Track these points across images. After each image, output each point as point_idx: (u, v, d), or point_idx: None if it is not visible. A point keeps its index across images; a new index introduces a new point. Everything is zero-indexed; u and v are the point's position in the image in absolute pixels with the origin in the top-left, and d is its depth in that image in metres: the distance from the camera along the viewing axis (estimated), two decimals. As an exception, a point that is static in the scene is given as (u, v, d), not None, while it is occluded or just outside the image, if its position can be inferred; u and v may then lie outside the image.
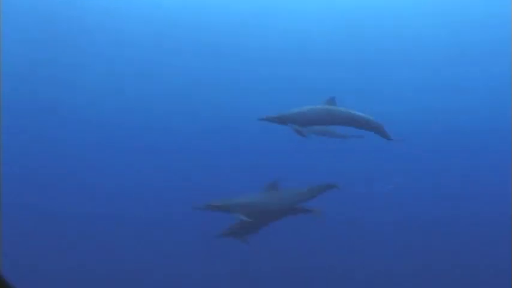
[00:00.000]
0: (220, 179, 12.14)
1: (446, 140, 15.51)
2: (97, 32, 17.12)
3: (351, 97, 7.34)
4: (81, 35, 17.04)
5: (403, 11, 17.82)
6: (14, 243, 8.99)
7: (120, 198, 12.62)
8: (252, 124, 7.45)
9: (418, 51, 18.15)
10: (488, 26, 17.32)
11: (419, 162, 14.67)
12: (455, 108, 16.83)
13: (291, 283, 10.16)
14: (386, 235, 11.53)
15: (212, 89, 17.32)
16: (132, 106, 16.92)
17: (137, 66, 17.53)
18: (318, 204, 7.40)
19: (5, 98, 12.70)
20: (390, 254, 10.81)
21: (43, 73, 16.47)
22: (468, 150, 14.99)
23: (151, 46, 17.73)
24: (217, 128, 15.63)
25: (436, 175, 14.22)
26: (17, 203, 10.85)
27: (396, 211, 12.44)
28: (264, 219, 7.16)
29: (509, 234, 9.95)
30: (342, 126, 7.67)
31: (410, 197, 13.15)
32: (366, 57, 17.73)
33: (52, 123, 15.51)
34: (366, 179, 13.77)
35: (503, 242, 9.97)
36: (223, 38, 17.87)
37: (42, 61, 16.39)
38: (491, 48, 17.44)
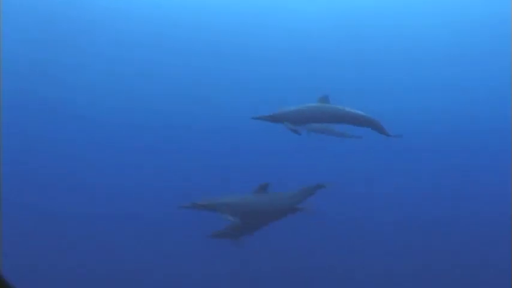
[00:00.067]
0: (220, 179, 12.14)
1: (446, 140, 15.52)
2: (97, 32, 17.12)
3: (351, 97, 7.34)
4: (81, 35, 17.05)
5: (403, 11, 17.82)
6: (14, 243, 8.99)
7: (120, 198, 12.61)
8: (252, 124, 7.44)
9: (418, 51, 18.16)
10: (488, 26, 17.33)
11: (419, 162, 14.67)
12: (455, 108, 16.84)
13: (291, 283, 10.15)
14: (387, 235, 11.53)
15: (212, 88, 17.32)
16: (132, 106, 16.92)
17: (137, 66, 17.53)
18: (318, 204, 7.38)
19: (5, 98, 12.70)
20: (390, 254, 10.80)
21: (43, 73, 16.47)
22: (468, 150, 14.99)
23: (151, 46, 17.74)
24: (217, 127, 15.63)
25: (436, 175, 14.22)
26: (17, 203, 10.84)
27: (396, 211, 12.43)
28: (257, 221, 7.14)
29: (509, 234, 9.95)
30: (342, 125, 7.65)
31: (411, 197, 13.15)
32: (366, 57, 17.74)
33: (52, 122, 15.51)
34: (366, 179, 13.78)
35: (503, 242, 9.96)
36: (222, 38, 17.88)
37: (42, 61, 16.40)
38: (491, 48, 17.44)
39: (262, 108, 7.02)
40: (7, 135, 12.22)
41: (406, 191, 13.30)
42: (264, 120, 6.86)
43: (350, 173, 13.60)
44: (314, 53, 17.53)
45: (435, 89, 17.72)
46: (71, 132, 15.41)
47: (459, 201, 12.99)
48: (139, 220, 11.48)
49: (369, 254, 10.84)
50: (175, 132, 15.93)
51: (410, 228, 11.80)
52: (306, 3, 17.81)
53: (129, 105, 16.92)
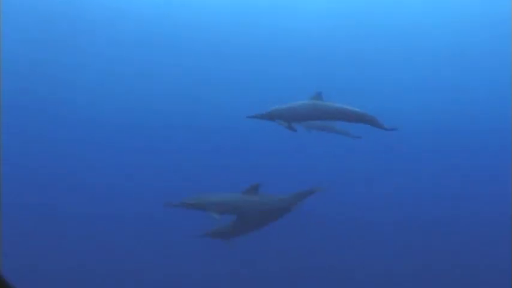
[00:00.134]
0: (220, 179, 12.13)
1: (446, 140, 15.51)
2: (97, 32, 17.12)
3: (351, 96, 7.33)
4: (81, 35, 17.06)
5: (403, 10, 17.82)
6: (14, 243, 8.99)
7: (119, 198, 12.61)
8: (251, 124, 7.45)
9: (418, 50, 18.16)
10: (488, 26, 17.32)
11: (419, 162, 14.68)
12: (455, 108, 16.83)
13: (291, 283, 10.15)
14: (386, 235, 11.53)
15: (212, 88, 17.32)
16: (132, 106, 16.92)
17: (137, 66, 17.53)
18: (318, 204, 7.38)
19: (5, 98, 12.70)
20: (390, 254, 10.80)
21: (43, 73, 16.47)
22: (468, 150, 14.99)
23: (151, 46, 17.74)
24: (218, 127, 15.62)
25: (436, 175, 14.22)
26: (17, 203, 10.84)
27: (396, 211, 12.43)
28: (246, 222, 7.14)
29: (509, 234, 9.95)
30: (342, 123, 7.63)
31: (410, 197, 13.16)
32: (365, 57, 17.74)
33: (52, 122, 15.51)
34: (366, 179, 13.78)
35: (503, 242, 9.96)
36: (222, 38, 17.87)
37: (42, 61, 16.40)
38: (491, 48, 17.44)
39: (261, 108, 7.02)
40: (7, 135, 12.22)
41: (406, 191, 13.30)
42: (258, 118, 6.86)
43: (350, 173, 13.61)
44: (314, 53, 17.52)
45: (435, 89, 17.71)
46: (71, 132, 15.41)
47: (459, 201, 12.99)
48: (139, 220, 11.48)
49: (368, 254, 10.84)
50: (175, 132, 15.93)
51: (410, 228, 11.80)
52: (306, 3, 17.81)
53: (129, 105, 16.91)
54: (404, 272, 10.12)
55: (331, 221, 11.20)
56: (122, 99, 17.04)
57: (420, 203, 13.02)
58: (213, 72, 17.67)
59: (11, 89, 13.54)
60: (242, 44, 17.88)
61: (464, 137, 15.57)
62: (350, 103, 6.93)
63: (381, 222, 11.72)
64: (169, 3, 17.66)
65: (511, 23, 15.54)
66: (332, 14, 17.79)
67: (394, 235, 11.55)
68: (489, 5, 17.12)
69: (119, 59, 17.31)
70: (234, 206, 6.83)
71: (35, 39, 16.47)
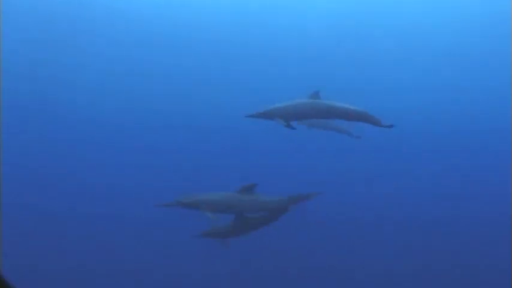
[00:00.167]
0: (221, 179, 12.13)
1: (446, 140, 15.51)
2: (97, 32, 17.12)
3: (351, 96, 7.33)
4: (81, 35, 17.05)
5: (403, 10, 17.82)
6: (14, 243, 8.99)
7: (119, 198, 12.61)
8: (250, 123, 7.45)
9: (418, 50, 18.15)
10: (488, 26, 17.32)
11: (419, 162, 14.67)
12: (455, 108, 16.83)
13: (291, 283, 10.15)
14: (386, 235, 11.53)
15: (212, 88, 17.30)
16: (132, 106, 16.91)
17: (137, 66, 17.52)
18: (317, 204, 7.37)
19: (5, 98, 12.69)
20: (390, 254, 10.80)
21: (43, 73, 16.46)
22: (468, 150, 14.99)
23: (151, 46, 17.73)
24: (217, 127, 15.60)
25: (436, 175, 14.22)
26: (17, 203, 10.84)
27: (396, 211, 12.43)
28: (247, 223, 7.15)
29: (509, 234, 9.95)
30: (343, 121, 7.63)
31: (411, 197, 13.15)
32: (365, 57, 17.73)
33: (52, 122, 15.51)
34: (366, 179, 13.78)
35: (503, 242, 9.96)
36: (222, 38, 17.86)
37: (42, 61, 16.39)
38: (491, 48, 17.43)
39: (260, 107, 7.02)
40: (7, 135, 12.21)
41: (406, 191, 13.30)
42: (256, 117, 6.88)
43: (350, 173, 13.61)
44: (314, 52, 17.52)
45: (435, 89, 17.71)
46: (71, 131, 15.40)
47: (459, 201, 12.99)
48: (139, 220, 11.48)
49: (368, 254, 10.84)
50: (176, 132, 15.92)
51: (410, 228, 11.80)
52: (306, 3, 17.81)
53: (129, 105, 16.91)
54: (404, 272, 10.12)
55: (331, 221, 11.19)
56: (122, 99, 17.03)
57: (420, 203, 13.02)
58: (213, 72, 17.67)
59: (11, 89, 13.54)
60: (242, 43, 17.87)
61: (464, 137, 15.57)
62: (349, 102, 6.94)
63: (381, 222, 11.72)
64: (169, 3, 17.66)
65: (511, 23, 15.54)
66: (332, 13, 17.78)
67: (394, 235, 11.56)
68: (489, 5, 17.12)
69: (118, 58, 17.31)
70: (227, 205, 6.83)
71: (35, 39, 16.46)
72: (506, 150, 13.03)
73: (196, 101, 17.08)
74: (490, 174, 13.63)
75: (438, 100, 17.22)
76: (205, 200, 6.72)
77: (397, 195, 13.04)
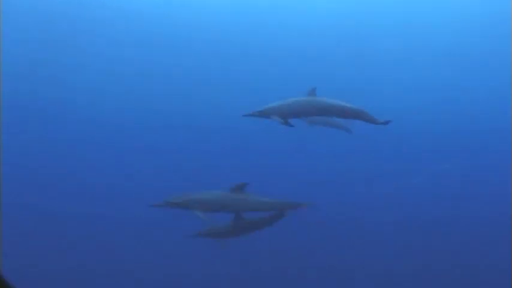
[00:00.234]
0: (221, 180, 12.12)
1: (446, 140, 15.51)
2: (97, 32, 17.11)
3: (351, 96, 7.33)
4: (81, 35, 17.05)
5: (403, 10, 17.82)
6: (14, 243, 8.99)
7: (119, 198, 12.61)
8: (250, 123, 7.46)
9: (418, 50, 18.15)
10: (488, 26, 17.32)
11: (419, 162, 14.67)
12: (455, 108, 16.83)
13: (291, 283, 10.15)
14: (386, 235, 11.53)
15: (212, 88, 17.30)
16: (132, 106, 16.90)
17: (137, 66, 17.52)
18: (317, 204, 7.37)
19: (5, 98, 12.69)
20: (390, 254, 10.80)
21: (43, 73, 16.46)
22: (468, 150, 14.98)
23: (150, 46, 17.73)
24: (217, 127, 15.59)
25: (436, 175, 14.22)
26: (17, 203, 10.84)
27: (396, 211, 12.43)
28: (244, 225, 7.15)
29: (509, 234, 9.94)
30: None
31: (410, 197, 13.15)
32: (365, 57, 17.73)
33: (52, 122, 15.50)
34: (366, 179, 13.78)
35: (503, 242, 9.96)
36: (223, 38, 17.86)
37: (42, 61, 16.39)
38: (491, 48, 17.43)
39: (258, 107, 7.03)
40: (7, 135, 12.21)
41: (406, 191, 13.30)
42: (254, 116, 6.89)
43: (350, 173, 13.61)
44: (313, 52, 17.52)
45: (435, 89, 17.71)
46: (71, 132, 15.40)
47: (459, 201, 12.99)
48: (139, 220, 11.48)
49: (368, 254, 10.84)
50: (176, 132, 15.91)
51: (410, 228, 11.81)
52: (305, 3, 17.81)
53: (129, 105, 16.90)
54: (404, 272, 10.12)
55: (330, 221, 11.19)
56: (122, 99, 17.03)
57: (420, 203, 13.02)
58: (213, 72, 17.66)
59: (11, 89, 13.53)
60: (242, 43, 17.87)
61: (464, 137, 15.56)
62: (350, 102, 6.95)
63: (381, 222, 11.72)
64: (169, 3, 17.66)
65: (511, 23, 15.53)
66: (331, 13, 17.78)
67: (393, 235, 11.56)
68: (489, 5, 17.12)
69: (118, 59, 17.30)
70: (218, 204, 6.78)
71: (35, 39, 16.46)
72: (506, 150, 13.03)
73: (196, 100, 17.07)
74: (490, 174, 13.63)
75: (438, 100, 17.22)
76: (195, 200, 6.67)
77: (397, 195, 13.04)
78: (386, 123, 6.82)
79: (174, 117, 16.52)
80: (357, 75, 17.17)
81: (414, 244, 11.35)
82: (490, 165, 14.10)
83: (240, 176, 7.10)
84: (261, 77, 17.48)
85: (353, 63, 17.54)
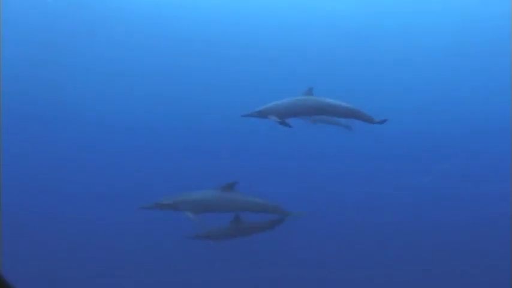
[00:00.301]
0: (220, 180, 12.10)
1: (446, 140, 15.52)
2: (97, 34, 17.13)
3: (350, 96, 7.35)
4: (81, 37, 17.05)
5: (403, 10, 17.83)
6: (14, 243, 8.99)
7: (119, 199, 12.60)
8: (249, 123, 7.47)
9: (418, 50, 18.17)
10: (488, 26, 17.33)
11: (419, 163, 14.67)
12: (455, 108, 16.84)
13: (290, 283, 10.15)
14: (386, 236, 11.53)
15: (214, 89, 17.31)
16: (132, 108, 16.91)
17: (137, 67, 17.52)
18: (317, 205, 7.38)
19: (5, 100, 12.70)
20: (390, 255, 10.80)
21: (43, 75, 16.46)
22: (468, 150, 14.99)
23: (149, 48, 17.73)
24: (218, 127, 15.59)
25: (436, 175, 14.22)
26: (16, 203, 10.85)
27: (396, 211, 12.44)
28: (241, 228, 7.14)
29: (509, 234, 9.94)
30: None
31: (410, 197, 13.16)
32: (365, 57, 17.75)
33: (52, 124, 15.50)
34: (366, 179, 13.78)
35: (503, 242, 9.96)
36: (224, 39, 17.88)
37: (42, 63, 16.39)
38: (491, 48, 17.44)
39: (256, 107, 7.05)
40: (7, 135, 12.22)
41: (406, 191, 13.30)
42: (252, 116, 6.91)
43: (350, 174, 13.61)
44: (313, 53, 17.53)
45: (435, 89, 17.73)
46: (70, 133, 15.40)
47: (459, 201, 12.99)
48: (139, 221, 11.48)
49: (369, 255, 10.84)
50: (176, 133, 15.90)
51: (410, 228, 11.81)
52: (305, 3, 17.82)
53: (130, 107, 16.90)
54: (404, 272, 10.12)
55: (330, 221, 11.19)
56: (122, 100, 17.04)
57: (420, 203, 13.02)
58: (212, 73, 17.67)
59: (11, 90, 13.54)
60: (241, 44, 17.88)
61: (464, 137, 15.57)
62: (350, 102, 6.98)
63: (380, 223, 11.72)
64: (169, 5, 17.67)
65: (511, 23, 15.54)
66: (331, 13, 17.79)
67: (393, 236, 11.56)
68: (489, 5, 17.13)
69: (118, 60, 17.32)
70: (208, 204, 6.75)
71: (34, 41, 16.47)
72: (506, 150, 13.03)
73: (195, 101, 17.07)
74: (490, 174, 13.63)
75: (438, 100, 17.23)
76: (185, 201, 6.63)
77: (397, 196, 13.04)
78: (382, 122, 6.84)
79: (174, 118, 16.53)
80: (357, 75, 17.20)
81: (414, 244, 11.36)
82: (490, 165, 14.10)
83: (239, 177, 7.09)
84: (261, 77, 17.48)
85: (353, 63, 17.55)
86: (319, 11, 17.80)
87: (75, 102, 16.43)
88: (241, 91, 16.85)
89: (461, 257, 10.65)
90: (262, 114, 6.84)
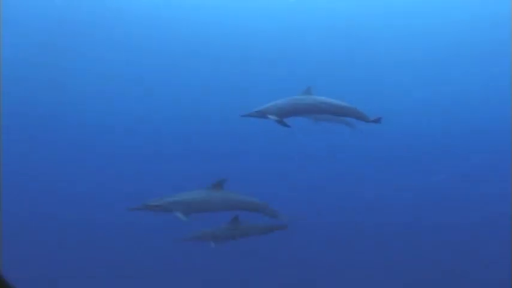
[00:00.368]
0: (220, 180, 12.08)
1: (446, 140, 15.51)
2: (97, 36, 17.12)
3: (350, 96, 7.36)
4: (81, 39, 17.04)
5: (403, 10, 17.83)
6: (14, 244, 9.00)
7: (119, 201, 12.58)
8: (249, 123, 7.48)
9: (418, 51, 18.16)
10: (488, 26, 17.32)
11: (419, 163, 14.67)
12: (455, 108, 16.84)
13: (290, 284, 10.15)
14: (386, 236, 11.54)
15: (214, 90, 17.29)
16: (133, 110, 16.88)
17: (137, 69, 17.51)
18: (317, 206, 7.39)
19: (4, 100, 12.70)
20: (390, 255, 10.81)
21: (43, 76, 16.45)
22: (468, 150, 14.99)
23: (150, 50, 17.72)
24: (221, 129, 15.57)
25: (436, 175, 14.22)
26: (16, 204, 10.86)
27: (395, 212, 12.44)
28: (240, 229, 7.14)
29: (509, 234, 9.95)
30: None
31: (410, 197, 13.16)
32: (365, 57, 17.73)
33: (51, 126, 15.50)
34: (365, 179, 13.78)
35: (503, 242, 9.96)
36: (225, 41, 17.86)
37: (42, 64, 16.38)
38: (491, 48, 17.44)
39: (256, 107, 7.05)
40: (6, 135, 12.22)
41: (406, 191, 13.30)
42: (251, 116, 6.93)
43: (349, 174, 13.61)
44: (312, 53, 17.52)
45: (434, 89, 17.72)
46: (70, 135, 15.39)
47: (459, 201, 12.99)
48: (139, 222, 11.47)
49: (369, 255, 10.85)
50: (177, 134, 15.88)
51: (410, 229, 11.81)
52: (305, 3, 17.83)
53: (130, 109, 16.88)
54: (404, 273, 10.13)
55: (330, 222, 11.20)
56: (122, 101, 17.03)
57: (420, 204, 13.02)
58: (211, 73, 17.66)
59: (10, 92, 13.54)
60: (241, 44, 17.87)
61: (464, 137, 15.56)
62: (346, 101, 7.01)
63: (380, 223, 11.73)
64: (169, 6, 17.67)
65: (511, 23, 15.54)
66: (331, 13, 17.80)
67: (393, 236, 11.56)
68: (489, 5, 17.13)
69: (118, 62, 17.31)
70: (197, 203, 6.72)
71: (34, 42, 16.47)
72: (506, 151, 13.03)
73: (196, 101, 17.06)
74: (490, 174, 13.63)
75: (438, 100, 17.23)
76: (174, 201, 6.61)
77: (397, 196, 13.04)
78: (377, 121, 6.86)
79: (174, 119, 16.51)
80: (357, 75, 17.18)
81: (414, 245, 11.36)
82: (490, 166, 14.10)
83: (238, 177, 7.10)
84: (261, 78, 17.47)
85: (353, 63, 17.54)
86: (318, 11, 17.80)
87: (75, 103, 16.41)
88: (241, 91, 16.85)
89: (461, 257, 10.65)
90: (262, 114, 6.86)
